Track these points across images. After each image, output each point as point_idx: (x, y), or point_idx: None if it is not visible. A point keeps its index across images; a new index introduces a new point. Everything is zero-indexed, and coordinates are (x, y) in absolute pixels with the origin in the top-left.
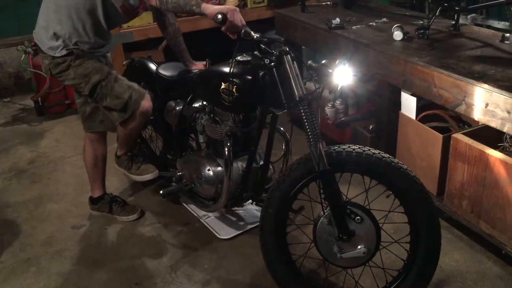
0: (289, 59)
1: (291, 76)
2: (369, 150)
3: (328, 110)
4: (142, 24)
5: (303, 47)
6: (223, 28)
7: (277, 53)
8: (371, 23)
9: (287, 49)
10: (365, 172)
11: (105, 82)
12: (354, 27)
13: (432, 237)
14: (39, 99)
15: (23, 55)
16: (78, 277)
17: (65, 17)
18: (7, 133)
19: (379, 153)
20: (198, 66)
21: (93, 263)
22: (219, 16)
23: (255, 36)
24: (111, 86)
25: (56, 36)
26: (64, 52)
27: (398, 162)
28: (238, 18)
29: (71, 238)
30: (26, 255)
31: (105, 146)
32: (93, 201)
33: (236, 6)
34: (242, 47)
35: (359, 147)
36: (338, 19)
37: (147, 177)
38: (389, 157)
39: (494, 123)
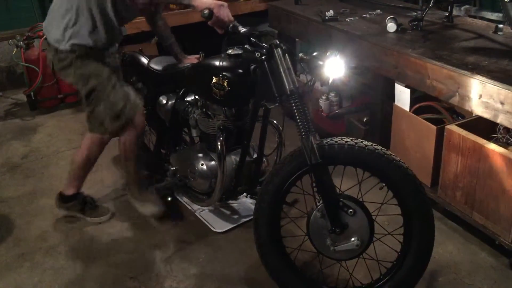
0: (280, 52)
1: (281, 69)
2: (362, 142)
3: (322, 102)
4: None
5: (296, 39)
6: (209, 23)
7: (268, 46)
8: (364, 15)
9: (278, 42)
10: (358, 165)
11: (101, 88)
12: (347, 19)
13: (426, 228)
14: (32, 93)
15: (15, 49)
16: (73, 272)
17: (76, 11)
18: None
19: (371, 145)
20: (191, 59)
21: (87, 257)
22: (206, 11)
23: (242, 31)
24: (107, 93)
25: (64, 29)
26: (68, 46)
27: (390, 154)
28: (225, 13)
29: (65, 233)
30: (20, 250)
31: (101, 152)
32: (64, 199)
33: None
34: (233, 41)
35: (351, 140)
36: (331, 11)
37: (147, 211)
38: (381, 149)
39: (487, 114)
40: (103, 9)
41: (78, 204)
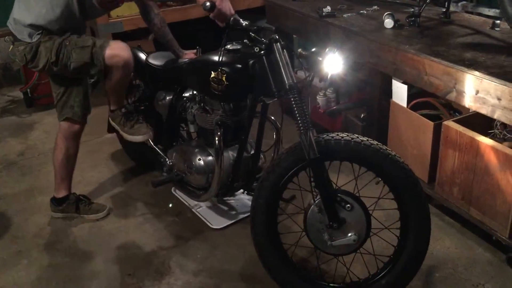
0: (279, 47)
1: (281, 64)
2: (358, 137)
3: (319, 98)
4: (132, 14)
5: (294, 36)
6: (211, 16)
7: (267, 41)
8: (362, 11)
9: (277, 37)
10: (354, 160)
11: (68, 40)
12: (345, 15)
13: (422, 222)
14: (28, 90)
15: (11, 46)
16: (70, 269)
17: (41, 9)
18: None
19: (367, 140)
20: (189, 55)
21: (85, 254)
22: (207, 3)
23: (244, 24)
24: (75, 41)
25: (32, 26)
26: (39, 36)
27: (386, 149)
28: (227, 6)
29: (62, 230)
30: (17, 247)
31: (78, 144)
32: (57, 202)
33: None
34: (231, 36)
35: (347, 135)
36: (329, 7)
37: (138, 138)
38: (377, 144)
39: (484, 110)
40: (69, 9)
41: (71, 204)
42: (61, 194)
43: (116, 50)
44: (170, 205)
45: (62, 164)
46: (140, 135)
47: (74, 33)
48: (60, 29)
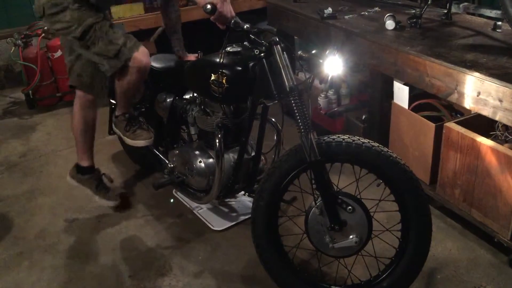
0: (279, 49)
1: (281, 66)
2: (359, 139)
3: (320, 100)
4: (133, 15)
5: (295, 37)
6: (212, 18)
7: (267, 44)
8: (363, 13)
9: (277, 39)
10: (355, 162)
11: (100, 26)
12: (346, 17)
13: (423, 224)
14: (30, 92)
15: (13, 48)
16: (71, 270)
17: None
18: None
19: (368, 142)
20: (190, 58)
21: (86, 256)
22: (208, 6)
23: (244, 27)
24: (105, 30)
25: None
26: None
27: (387, 151)
28: (228, 9)
29: (64, 232)
30: (18, 248)
31: (95, 111)
32: (82, 170)
33: None
34: (232, 38)
35: (348, 137)
36: (330, 9)
37: (140, 143)
38: (378, 146)
39: (486, 112)
40: None
41: (94, 180)
42: (85, 163)
43: (142, 56)
44: (172, 200)
45: (80, 133)
46: (142, 140)
47: (103, 7)
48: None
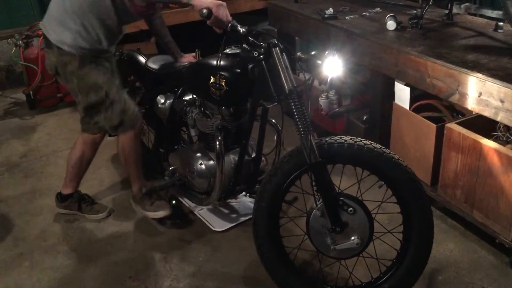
0: (278, 51)
1: (280, 68)
2: (361, 141)
3: (321, 101)
4: None
5: (296, 38)
6: (208, 22)
7: (266, 46)
8: (364, 13)
9: (276, 41)
10: (357, 163)
11: (101, 103)
12: (347, 17)
13: (425, 226)
14: (31, 92)
15: (14, 48)
16: (72, 271)
17: (78, 14)
18: None
19: (370, 143)
20: (188, 58)
21: (86, 257)
22: (204, 11)
23: (241, 30)
24: (105, 108)
25: (68, 29)
26: (71, 49)
27: (389, 152)
28: (224, 14)
29: (64, 232)
30: (19, 249)
31: (95, 152)
32: (61, 198)
33: None
34: (231, 40)
35: (350, 138)
36: (331, 9)
37: (160, 214)
38: (380, 148)
39: (487, 113)
40: (105, 13)
41: (74, 202)
42: (67, 191)
43: (132, 135)
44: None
45: (75, 165)
46: (161, 211)
47: (110, 48)
48: (99, 44)
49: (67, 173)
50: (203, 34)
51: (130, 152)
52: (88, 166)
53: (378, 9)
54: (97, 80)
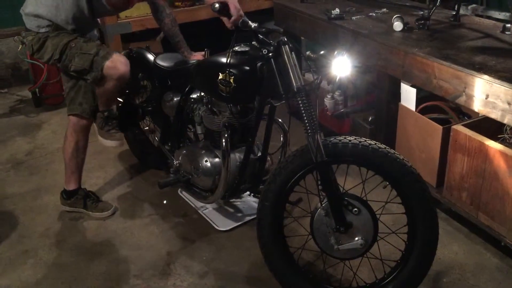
0: (287, 49)
1: (289, 66)
2: (365, 141)
3: (327, 101)
4: (140, 14)
5: (302, 38)
6: (219, 16)
7: (275, 44)
8: (371, 14)
9: (286, 39)
10: (361, 163)
11: (74, 43)
12: (353, 18)
13: (429, 227)
14: (37, 90)
15: (20, 46)
16: (76, 269)
17: (52, 2)
18: (4, 125)
19: (375, 143)
20: (197, 56)
21: (91, 254)
22: (216, 5)
23: (252, 26)
24: (80, 46)
25: (41, 18)
26: (47, 28)
27: (394, 153)
28: (236, 8)
29: (69, 230)
30: (23, 246)
31: (87, 137)
32: (67, 194)
33: None
34: (240, 38)
35: (355, 138)
36: (337, 10)
37: (110, 143)
38: (385, 148)
39: (494, 115)
40: (77, 6)
41: (79, 199)
42: (71, 187)
43: (116, 63)
44: (165, 202)
45: (71, 156)
46: (112, 141)
47: (82, 32)
48: (68, 25)
49: (66, 167)
50: (209, 33)
51: (106, 93)
52: (85, 155)
53: (384, 9)
54: (70, 34)
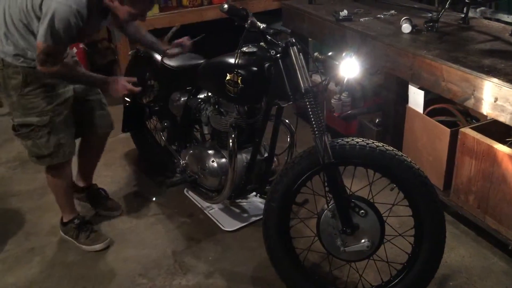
0: (295, 50)
1: (297, 67)
2: (373, 143)
3: (334, 103)
4: (148, 14)
5: (309, 39)
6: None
7: (283, 45)
8: (379, 15)
9: (294, 40)
10: (368, 165)
11: (37, 130)
12: (361, 19)
13: (436, 230)
14: None
15: None
16: (82, 267)
17: (16, 32)
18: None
19: (382, 145)
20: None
21: (97, 253)
22: (225, 5)
23: (261, 27)
24: (40, 135)
25: (11, 41)
26: (15, 61)
27: (402, 155)
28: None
29: None
30: (30, 244)
31: (68, 172)
32: (62, 223)
33: None
34: (248, 38)
35: (362, 140)
36: (345, 11)
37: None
38: (393, 150)
39: (503, 118)
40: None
41: (73, 229)
42: (67, 218)
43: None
44: (154, 199)
45: (60, 194)
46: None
47: None
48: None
49: (57, 202)
50: (217, 33)
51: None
52: (71, 188)
53: (393, 11)
54: (42, 103)
